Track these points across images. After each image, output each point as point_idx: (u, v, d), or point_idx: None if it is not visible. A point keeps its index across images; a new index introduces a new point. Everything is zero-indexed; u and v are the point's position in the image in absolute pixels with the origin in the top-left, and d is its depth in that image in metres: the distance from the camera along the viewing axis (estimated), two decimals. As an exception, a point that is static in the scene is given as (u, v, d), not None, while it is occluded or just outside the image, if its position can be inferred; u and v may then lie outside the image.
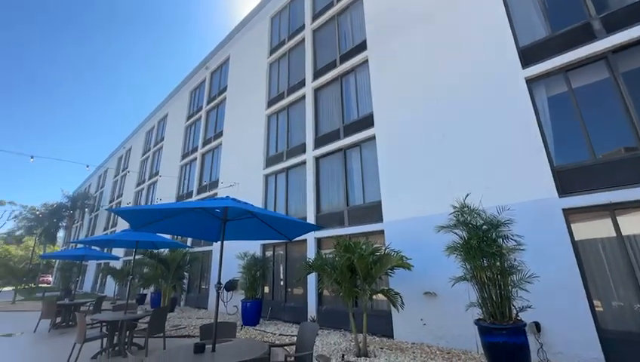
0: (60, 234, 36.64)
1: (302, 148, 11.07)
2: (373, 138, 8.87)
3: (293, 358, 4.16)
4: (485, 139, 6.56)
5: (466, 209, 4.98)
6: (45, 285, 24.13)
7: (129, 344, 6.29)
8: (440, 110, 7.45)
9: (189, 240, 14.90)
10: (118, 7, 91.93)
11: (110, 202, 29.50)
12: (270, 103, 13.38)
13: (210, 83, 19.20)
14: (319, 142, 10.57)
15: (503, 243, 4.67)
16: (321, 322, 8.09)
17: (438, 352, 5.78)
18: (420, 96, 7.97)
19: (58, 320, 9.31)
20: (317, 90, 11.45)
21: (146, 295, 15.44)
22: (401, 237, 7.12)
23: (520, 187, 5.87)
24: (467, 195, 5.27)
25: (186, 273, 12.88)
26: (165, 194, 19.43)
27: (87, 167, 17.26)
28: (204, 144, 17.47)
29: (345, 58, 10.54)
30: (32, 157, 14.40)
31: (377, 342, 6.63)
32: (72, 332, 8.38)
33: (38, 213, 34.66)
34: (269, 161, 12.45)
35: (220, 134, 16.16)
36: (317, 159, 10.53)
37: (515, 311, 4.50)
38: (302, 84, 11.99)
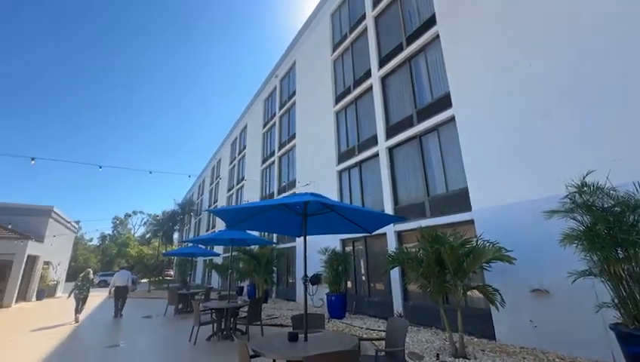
0: (175, 235, 44.18)
1: (373, 141, 10.79)
2: (452, 119, 8.05)
3: (384, 353, 4.05)
4: (612, 96, 5.24)
5: (586, 189, 4.05)
6: (168, 278, 29.46)
7: (233, 329, 7.12)
8: (538, 75, 6.27)
9: (275, 238, 16.13)
10: (194, 26, 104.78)
11: (208, 207, 34.14)
12: (337, 99, 13.45)
13: (281, 90, 20.38)
14: (391, 131, 10.13)
15: (646, 228, 3.65)
16: (409, 318, 7.73)
17: (557, 360, 4.89)
18: (507, 62, 6.87)
19: (180, 306, 11.17)
20: (384, 79, 11.00)
21: (243, 287, 17.33)
22: (496, 227, 6.26)
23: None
24: (589, 172, 4.27)
25: (274, 267, 13.97)
26: (251, 196, 21.47)
27: (189, 176, 20.43)
28: (280, 147, 18.65)
29: (412, 39, 9.83)
30: (150, 172, 17.74)
31: (476, 343, 5.98)
32: (190, 317, 9.94)
33: (159, 218, 42.45)
34: (342, 157, 12.53)
35: (293, 136, 17.01)
36: (390, 150, 10.11)
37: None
38: (367, 74, 11.69)
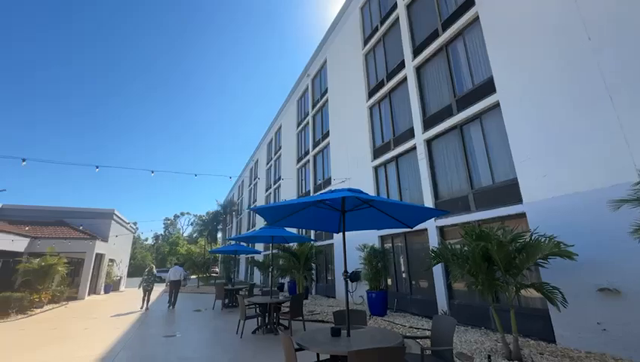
0: (219, 234, 46.77)
1: (409, 134, 10.44)
2: (496, 106, 7.50)
3: (430, 352, 3.91)
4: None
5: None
6: (214, 274, 31.30)
7: (277, 323, 7.36)
8: (598, 50, 5.60)
9: (313, 235, 16.34)
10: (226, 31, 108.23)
11: (248, 206, 35.58)
12: (370, 94, 13.21)
13: (313, 88, 20.54)
14: (428, 123, 9.72)
15: None
16: (455, 317, 7.26)
17: (632, 368, 4.35)
18: (561, 37, 6.22)
19: (226, 301, 11.81)
20: (419, 69, 10.57)
21: (283, 284, 17.83)
22: (552, 220, 5.72)
23: None
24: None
25: (313, 264, 14.18)
26: (288, 195, 21.98)
27: (230, 178, 21.55)
28: (314, 146, 18.82)
29: (448, 23, 9.31)
30: (195, 174, 19.00)
31: (533, 345, 5.53)
32: (236, 311, 10.48)
33: (204, 218, 45.29)
34: (377, 152, 12.30)
35: (327, 134, 17.06)
36: (428, 142, 9.71)
37: None
38: (401, 66, 11.32)
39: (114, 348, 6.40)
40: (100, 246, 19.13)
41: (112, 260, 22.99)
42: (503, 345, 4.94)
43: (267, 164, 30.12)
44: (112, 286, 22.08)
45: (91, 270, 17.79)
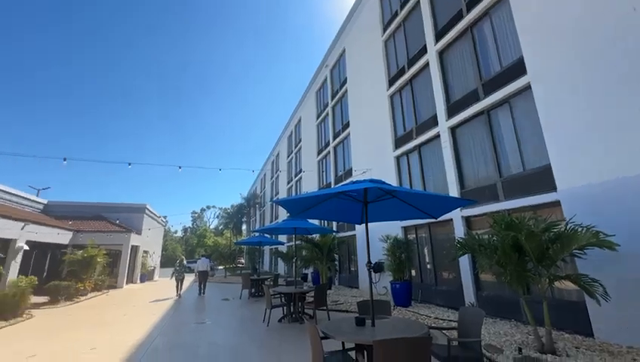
0: (244, 226, 48.18)
1: (433, 121, 10.11)
2: (527, 88, 7.07)
3: (456, 343, 3.86)
4: None
5: None
6: (240, 265, 32.37)
7: (302, 313, 7.53)
8: (642, 20, 5.10)
9: (335, 226, 16.42)
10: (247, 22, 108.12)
11: (270, 199, 36.24)
12: (391, 82, 12.87)
13: (332, 79, 20.32)
14: (453, 109, 9.35)
15: None
16: (483, 309, 7.08)
17: (681, 365, 4.06)
18: (601, 8, 5.71)
19: (252, 290, 12.21)
20: (442, 53, 10.13)
21: (307, 274, 18.13)
22: (591, 208, 5.38)
23: None
24: None
25: (335, 255, 14.28)
26: (309, 187, 22.14)
27: (253, 171, 22.02)
28: (335, 137, 18.72)
29: (473, 3, 8.80)
30: (220, 169, 19.59)
31: (568, 339, 5.30)
32: (262, 300, 10.81)
33: (229, 211, 46.73)
34: (398, 142, 12.04)
35: (347, 125, 16.89)
36: (452, 129, 9.36)
37: None
38: (423, 51, 10.90)
39: (151, 333, 6.84)
40: (134, 239, 20.31)
41: (145, 252, 24.38)
42: (535, 338, 4.76)
43: (288, 157, 30.40)
44: (147, 276, 23.49)
45: (128, 261, 18.98)
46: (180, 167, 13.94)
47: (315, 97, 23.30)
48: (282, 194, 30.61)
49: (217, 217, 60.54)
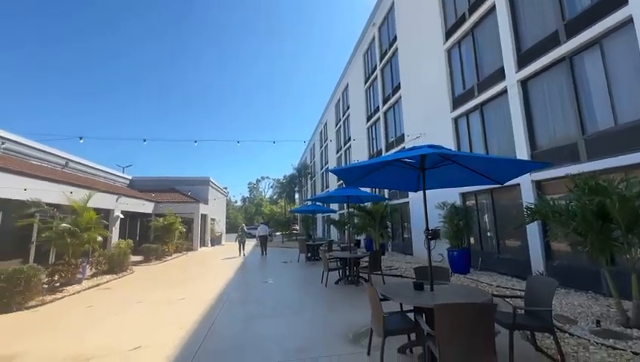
0: (296, 195, 50.37)
1: (499, 75, 8.98)
2: (627, 22, 5.78)
3: (523, 311, 3.72)
4: None
5: None
6: (295, 231, 34.40)
7: (357, 276, 7.88)
8: None
9: (387, 193, 16.23)
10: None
11: (320, 169, 36.86)
12: (448, 34, 11.57)
13: (380, 38, 18.97)
14: (524, 59, 8.15)
15: None
16: (553, 278, 6.67)
17: None
18: None
19: (309, 255, 13.02)
20: (512, -9, 8.67)
21: (360, 240, 18.57)
22: None
23: None
24: None
25: (388, 222, 14.27)
26: (359, 155, 21.87)
27: (304, 142, 22.38)
28: (384, 102, 17.86)
29: None
30: (274, 141, 20.43)
31: (661, 314, 4.70)
32: (319, 264, 11.51)
33: (282, 182, 49.00)
34: (457, 102, 11.04)
35: (398, 88, 15.90)
36: (523, 82, 8.23)
37: None
38: (488, -8, 9.44)
39: (225, 289, 7.86)
40: (203, 208, 22.73)
41: (213, 219, 27.25)
42: (619, 311, 4.34)
43: (336, 125, 30.09)
44: (216, 241, 26.50)
45: (199, 227, 21.51)
46: (238, 142, 14.85)
47: (362, 60, 22.15)
48: (332, 164, 30.85)
49: (271, 187, 64.13)
